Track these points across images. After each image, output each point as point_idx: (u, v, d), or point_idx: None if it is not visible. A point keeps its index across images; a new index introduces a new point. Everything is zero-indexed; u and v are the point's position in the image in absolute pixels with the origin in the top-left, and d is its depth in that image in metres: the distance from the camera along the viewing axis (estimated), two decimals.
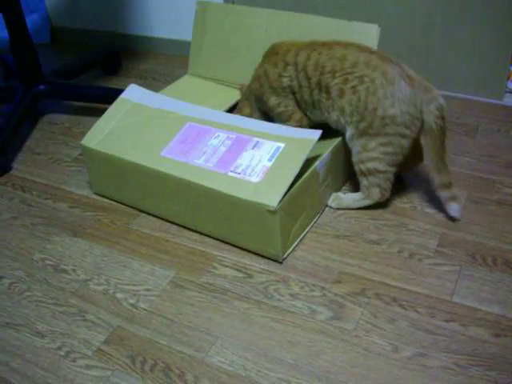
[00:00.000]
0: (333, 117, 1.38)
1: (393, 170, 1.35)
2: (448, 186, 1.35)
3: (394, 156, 1.33)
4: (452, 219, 1.38)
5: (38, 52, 1.93)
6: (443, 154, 1.33)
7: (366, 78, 1.31)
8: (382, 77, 1.29)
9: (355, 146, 1.36)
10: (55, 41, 2.67)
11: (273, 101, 1.47)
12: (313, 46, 1.41)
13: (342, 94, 1.34)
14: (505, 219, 1.38)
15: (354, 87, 1.32)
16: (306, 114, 1.45)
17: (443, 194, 1.37)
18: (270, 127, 1.37)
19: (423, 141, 1.35)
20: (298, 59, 1.40)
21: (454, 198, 1.37)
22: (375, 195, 1.39)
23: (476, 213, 1.40)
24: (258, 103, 1.52)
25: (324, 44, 1.40)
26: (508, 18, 1.74)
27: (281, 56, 1.44)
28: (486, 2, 1.74)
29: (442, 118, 1.30)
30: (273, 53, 1.48)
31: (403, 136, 1.30)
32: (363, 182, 1.38)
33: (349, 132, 1.36)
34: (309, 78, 1.39)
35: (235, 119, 1.43)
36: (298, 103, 1.45)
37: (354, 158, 1.37)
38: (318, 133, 1.30)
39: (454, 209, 1.37)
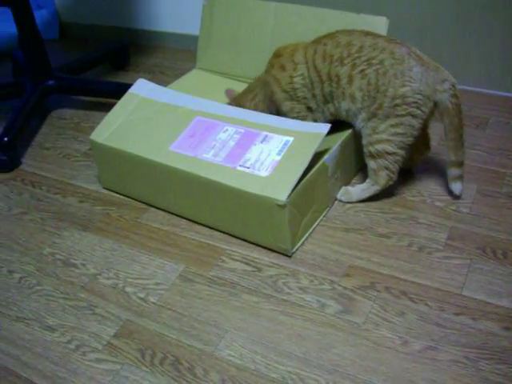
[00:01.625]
0: (343, 106, 1.37)
1: (402, 152, 1.34)
2: (461, 164, 1.37)
3: (403, 137, 1.32)
4: (458, 205, 1.38)
5: (47, 47, 1.93)
6: (462, 132, 1.33)
7: (373, 61, 1.30)
8: (390, 57, 1.29)
9: (365, 129, 1.35)
10: (64, 36, 2.68)
11: (287, 106, 1.46)
12: (317, 40, 1.41)
13: (350, 80, 1.33)
14: None
15: (362, 71, 1.32)
16: (316, 120, 1.45)
17: (453, 172, 1.38)
18: (279, 121, 1.37)
19: (442, 121, 1.34)
20: (307, 56, 1.40)
21: (461, 178, 1.39)
22: (383, 178, 1.38)
23: (486, 206, 1.40)
24: (269, 109, 1.50)
25: (327, 36, 1.40)
26: None
27: (287, 57, 1.44)
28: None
29: (457, 96, 1.30)
30: (276, 56, 1.47)
31: (414, 116, 1.29)
32: (371, 164, 1.37)
33: (360, 118, 1.36)
34: (318, 71, 1.38)
35: (244, 113, 1.43)
36: (309, 108, 1.45)
37: (364, 141, 1.36)
38: (326, 126, 1.29)
39: (458, 187, 1.39)
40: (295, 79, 1.42)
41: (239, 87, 1.63)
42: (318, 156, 1.31)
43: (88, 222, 1.47)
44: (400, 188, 1.47)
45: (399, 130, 1.31)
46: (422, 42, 1.90)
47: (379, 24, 1.47)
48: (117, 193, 1.55)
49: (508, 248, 1.28)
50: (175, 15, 2.37)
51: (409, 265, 1.26)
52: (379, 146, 1.33)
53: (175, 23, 2.39)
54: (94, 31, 2.60)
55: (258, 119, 1.38)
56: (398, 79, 1.28)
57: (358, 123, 1.37)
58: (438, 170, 1.52)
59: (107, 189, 1.58)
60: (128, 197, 1.53)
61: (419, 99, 1.28)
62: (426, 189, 1.46)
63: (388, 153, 1.34)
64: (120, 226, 1.44)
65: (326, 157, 1.32)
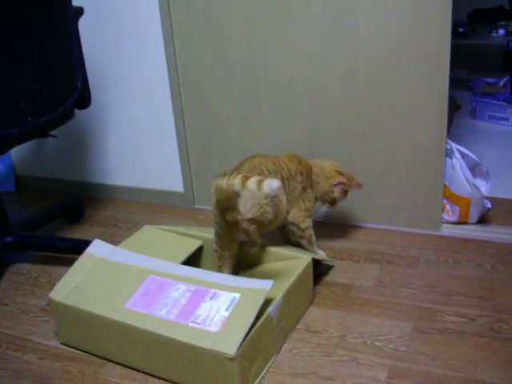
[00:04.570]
0: None
1: None
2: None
3: None
4: (398, 351, 1.48)
5: (3, 201, 2.01)
6: None
7: None
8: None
9: None
10: (20, 189, 2.78)
11: None
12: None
13: None
14: (448, 347, 1.48)
15: None
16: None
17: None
18: (226, 279, 1.50)
19: None
20: None
21: None
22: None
23: (421, 342, 1.50)
24: None
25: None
26: (434, 165, 1.95)
27: None
28: (416, 154, 1.95)
29: None
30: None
31: None
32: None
33: None
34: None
35: (193, 272, 1.55)
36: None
37: None
38: (269, 284, 1.42)
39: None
40: None
41: (190, 243, 1.77)
42: (262, 306, 1.40)
43: (48, 380, 1.50)
44: (342, 331, 1.57)
45: None
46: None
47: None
48: (75, 348, 1.60)
49: (443, 382, 1.37)
50: (127, 170, 2.50)
51: None
52: None
53: (127, 177, 2.52)
54: (49, 184, 2.71)
55: (207, 277, 1.50)
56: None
57: None
58: (375, 312, 1.64)
59: (66, 344, 1.63)
60: (86, 352, 1.58)
61: None
62: (366, 330, 1.57)
63: None
64: (79, 382, 1.48)
65: (270, 309, 1.43)
